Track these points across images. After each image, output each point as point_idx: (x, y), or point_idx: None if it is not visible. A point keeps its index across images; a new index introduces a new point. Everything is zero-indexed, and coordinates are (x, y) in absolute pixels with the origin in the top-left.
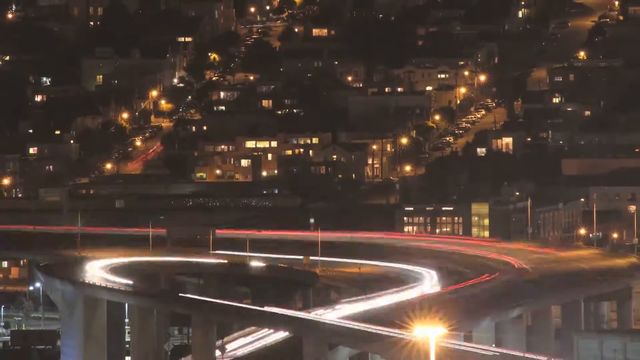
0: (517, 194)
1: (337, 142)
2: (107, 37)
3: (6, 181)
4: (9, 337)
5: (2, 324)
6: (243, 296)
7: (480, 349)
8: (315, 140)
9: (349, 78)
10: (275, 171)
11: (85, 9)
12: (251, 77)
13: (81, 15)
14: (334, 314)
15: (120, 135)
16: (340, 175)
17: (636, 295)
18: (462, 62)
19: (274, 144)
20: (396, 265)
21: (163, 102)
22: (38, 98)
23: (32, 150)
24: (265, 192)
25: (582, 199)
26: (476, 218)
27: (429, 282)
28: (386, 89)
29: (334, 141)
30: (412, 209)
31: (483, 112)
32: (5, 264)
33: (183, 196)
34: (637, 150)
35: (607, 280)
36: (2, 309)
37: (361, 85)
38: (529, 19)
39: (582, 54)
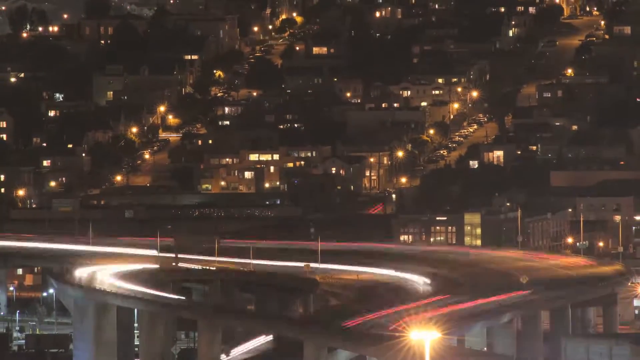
0: (508, 204)
1: (336, 155)
2: (117, 55)
3: (21, 192)
4: (24, 341)
5: (18, 328)
6: (247, 302)
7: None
8: (315, 153)
9: (348, 94)
10: (277, 183)
11: (96, 28)
12: (254, 93)
13: (92, 34)
14: None
15: (130, 148)
16: (339, 187)
17: (621, 301)
18: (455, 79)
19: (276, 156)
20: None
21: (170, 117)
22: (51, 113)
23: (45, 163)
24: (267, 202)
25: (570, 209)
26: (469, 227)
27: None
28: (383, 105)
29: (333, 154)
30: (407, 219)
31: (475, 126)
32: (20, 271)
33: (189, 206)
34: (622, 163)
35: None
36: (17, 314)
37: (359, 100)
38: (519, 38)
39: (569, 71)
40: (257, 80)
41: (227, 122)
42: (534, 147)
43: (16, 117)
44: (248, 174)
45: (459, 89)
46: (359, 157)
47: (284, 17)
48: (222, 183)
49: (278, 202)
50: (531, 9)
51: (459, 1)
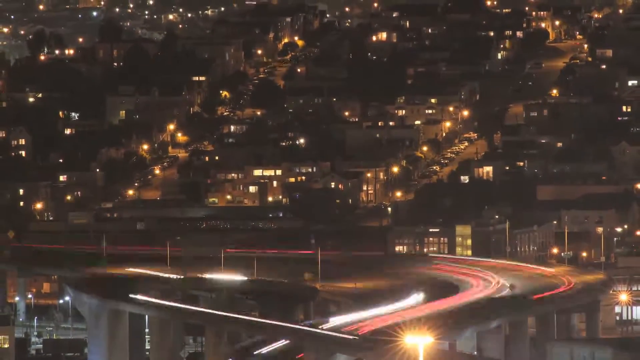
0: (497, 217)
1: (335, 171)
2: (129, 77)
3: (39, 205)
4: (42, 346)
5: (35, 333)
6: (251, 309)
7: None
8: (315, 169)
9: (346, 113)
10: (280, 197)
11: (109, 51)
12: (258, 112)
13: (106, 57)
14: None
15: (141, 164)
16: (338, 200)
17: (603, 308)
18: (447, 99)
19: (278, 172)
20: None
21: (179, 134)
22: (67, 131)
23: (62, 178)
24: (270, 215)
25: (555, 222)
26: (460, 239)
27: None
28: (379, 123)
29: (332, 170)
30: (402, 230)
31: (466, 143)
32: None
33: (197, 219)
34: (604, 178)
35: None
36: (35, 320)
37: (357, 119)
38: (507, 61)
39: (554, 91)
40: (261, 100)
41: (233, 140)
42: (521, 163)
43: (34, 135)
44: (252, 189)
45: (451, 109)
46: (356, 172)
47: (286, 40)
48: (228, 197)
49: (280, 214)
50: (519, 33)
51: (450, 26)
